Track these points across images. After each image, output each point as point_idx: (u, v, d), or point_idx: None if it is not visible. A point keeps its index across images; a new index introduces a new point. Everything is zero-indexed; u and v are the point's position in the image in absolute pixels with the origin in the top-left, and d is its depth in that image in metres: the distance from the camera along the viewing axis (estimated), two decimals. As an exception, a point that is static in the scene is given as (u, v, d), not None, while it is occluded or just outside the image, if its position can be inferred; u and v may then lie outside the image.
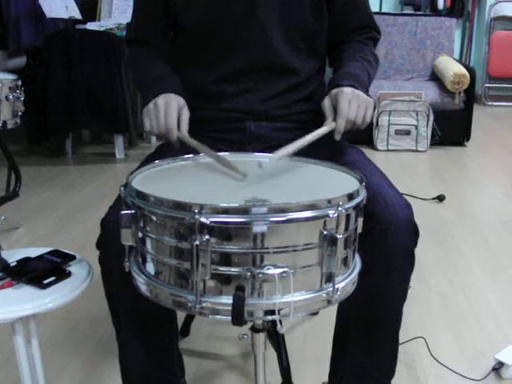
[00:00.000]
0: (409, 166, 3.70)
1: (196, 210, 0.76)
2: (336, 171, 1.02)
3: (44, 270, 1.15)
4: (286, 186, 0.96)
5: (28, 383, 1.18)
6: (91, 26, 3.75)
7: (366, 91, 1.18)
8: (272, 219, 0.77)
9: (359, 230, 0.89)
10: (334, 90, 1.16)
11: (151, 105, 1.16)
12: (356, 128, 1.15)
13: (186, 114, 1.17)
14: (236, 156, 1.10)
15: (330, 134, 1.13)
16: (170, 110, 1.14)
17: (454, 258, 2.32)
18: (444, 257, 2.33)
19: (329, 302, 0.84)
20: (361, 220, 0.88)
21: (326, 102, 1.16)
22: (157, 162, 1.04)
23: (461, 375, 1.55)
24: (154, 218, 0.82)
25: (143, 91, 1.23)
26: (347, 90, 1.14)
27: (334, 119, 1.14)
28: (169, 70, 1.28)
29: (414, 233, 1.11)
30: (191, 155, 1.09)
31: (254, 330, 0.95)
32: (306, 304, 0.82)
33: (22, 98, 2.24)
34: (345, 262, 0.86)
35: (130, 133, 3.77)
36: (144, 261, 0.87)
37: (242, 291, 0.78)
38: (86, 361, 1.62)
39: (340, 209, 0.80)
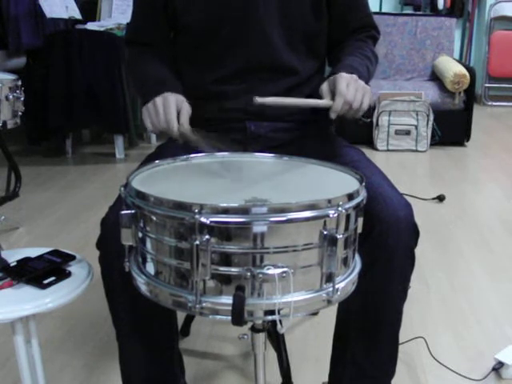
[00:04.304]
0: (409, 166, 3.70)
1: (196, 210, 0.76)
2: (336, 171, 1.01)
3: (44, 270, 1.15)
4: (286, 186, 0.96)
5: (28, 383, 1.18)
6: (91, 26, 3.74)
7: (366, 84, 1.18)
8: (272, 219, 0.77)
9: (359, 230, 0.89)
10: (333, 76, 1.15)
11: (150, 104, 1.16)
12: (352, 114, 1.13)
13: (185, 108, 1.16)
14: (236, 156, 1.11)
15: (326, 119, 1.12)
16: (168, 105, 1.14)
17: (453, 258, 2.32)
18: (444, 257, 2.33)
19: (329, 302, 0.84)
20: (361, 220, 0.88)
21: (324, 86, 1.16)
22: (157, 161, 1.04)
23: (461, 375, 1.55)
24: (154, 218, 0.82)
25: (143, 95, 1.23)
26: (346, 74, 1.13)
27: (332, 100, 1.13)
28: (169, 73, 1.28)
29: (414, 233, 1.11)
30: (191, 155, 1.09)
31: (254, 330, 0.95)
32: (305, 304, 0.82)
33: (22, 98, 2.23)
34: (345, 261, 0.86)
35: (130, 133, 3.77)
36: (144, 261, 0.87)
37: (242, 291, 0.78)
38: (86, 361, 1.62)
39: (340, 209, 0.80)
